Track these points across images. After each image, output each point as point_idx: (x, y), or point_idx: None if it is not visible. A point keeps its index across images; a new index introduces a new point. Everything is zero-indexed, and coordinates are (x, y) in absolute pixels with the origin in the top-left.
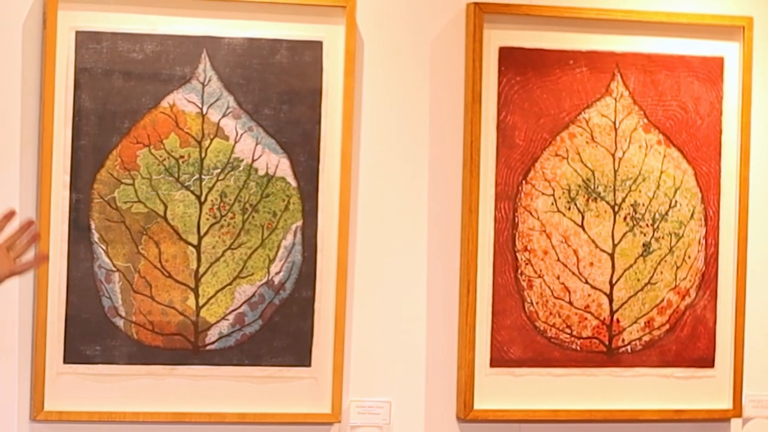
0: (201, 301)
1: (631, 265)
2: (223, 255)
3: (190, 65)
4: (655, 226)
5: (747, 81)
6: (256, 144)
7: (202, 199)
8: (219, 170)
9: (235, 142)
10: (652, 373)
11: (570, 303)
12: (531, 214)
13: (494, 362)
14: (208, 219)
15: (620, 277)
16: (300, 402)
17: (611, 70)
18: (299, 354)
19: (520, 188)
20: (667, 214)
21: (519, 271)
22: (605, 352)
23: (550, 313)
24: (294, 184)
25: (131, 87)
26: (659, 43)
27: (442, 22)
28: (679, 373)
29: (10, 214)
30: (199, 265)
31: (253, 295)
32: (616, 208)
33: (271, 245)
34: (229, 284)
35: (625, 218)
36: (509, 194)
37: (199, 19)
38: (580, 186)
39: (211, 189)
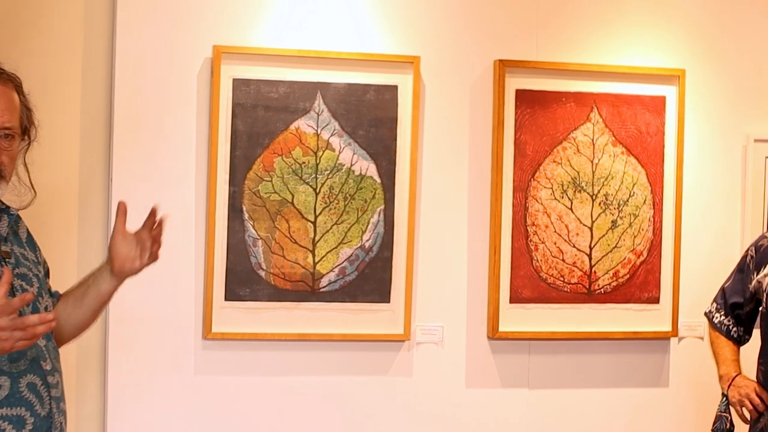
0: (317, 259)
1: (603, 235)
2: (331, 228)
3: (309, 101)
4: (620, 209)
5: (681, 113)
6: (353, 154)
7: (317, 191)
8: (328, 171)
9: (339, 153)
10: (618, 308)
11: (563, 260)
12: (537, 201)
13: (512, 300)
14: (321, 204)
15: (596, 243)
16: (383, 326)
17: (590, 105)
18: (382, 294)
19: (529, 183)
20: (628, 201)
21: (529, 239)
22: (586, 293)
23: (550, 267)
24: (379, 181)
25: (270, 116)
26: (623, 87)
27: (477, 73)
28: (636, 308)
29: (154, 212)
30: (315, 235)
31: (351, 255)
32: (594, 197)
33: (363, 221)
34: (335, 248)
35: (600, 204)
36: (522, 188)
37: (315, 70)
38: (569, 182)
39: (323, 184)
